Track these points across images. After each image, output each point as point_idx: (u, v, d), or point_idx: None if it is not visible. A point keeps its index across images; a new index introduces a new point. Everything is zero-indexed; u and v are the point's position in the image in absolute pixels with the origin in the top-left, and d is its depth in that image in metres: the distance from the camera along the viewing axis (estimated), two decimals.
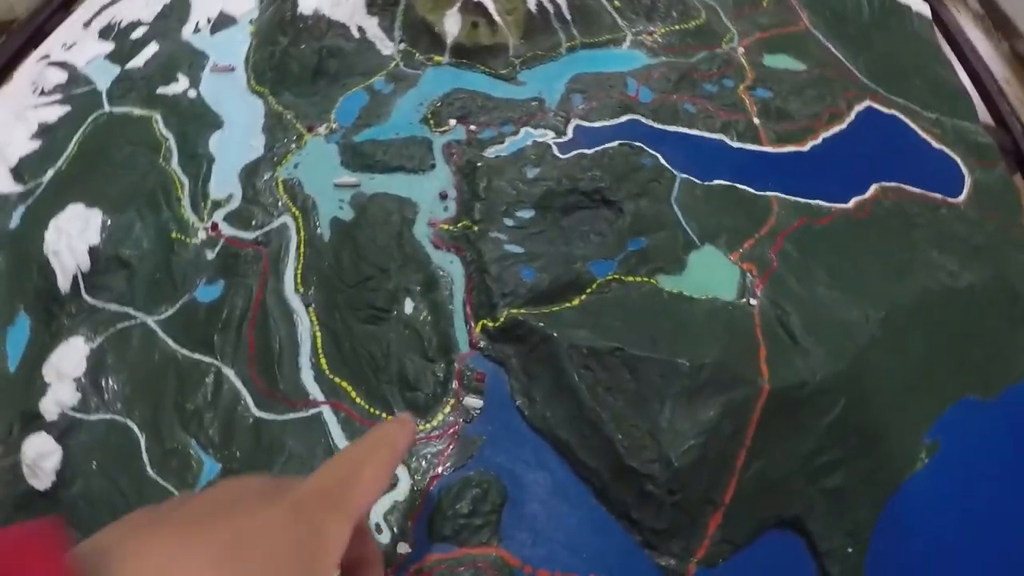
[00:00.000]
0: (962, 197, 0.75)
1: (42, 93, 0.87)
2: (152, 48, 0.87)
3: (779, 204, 0.70)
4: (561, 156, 0.71)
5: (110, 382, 0.58)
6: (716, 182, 0.71)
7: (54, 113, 0.84)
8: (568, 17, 0.83)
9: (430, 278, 0.62)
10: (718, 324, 0.58)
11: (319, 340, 0.59)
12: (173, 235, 0.66)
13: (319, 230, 0.65)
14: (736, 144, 0.76)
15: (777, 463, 0.53)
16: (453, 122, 0.72)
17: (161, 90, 0.81)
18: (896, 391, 0.58)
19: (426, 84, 0.77)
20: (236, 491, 0.32)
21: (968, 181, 0.76)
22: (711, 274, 0.63)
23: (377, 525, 0.51)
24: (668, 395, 0.53)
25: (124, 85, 0.83)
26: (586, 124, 0.75)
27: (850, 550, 0.52)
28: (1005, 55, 1.02)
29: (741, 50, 0.87)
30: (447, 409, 0.56)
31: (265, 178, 0.69)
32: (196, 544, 0.28)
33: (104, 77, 0.87)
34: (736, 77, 0.83)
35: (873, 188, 0.73)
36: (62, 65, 0.90)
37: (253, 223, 0.66)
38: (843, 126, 0.80)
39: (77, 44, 0.94)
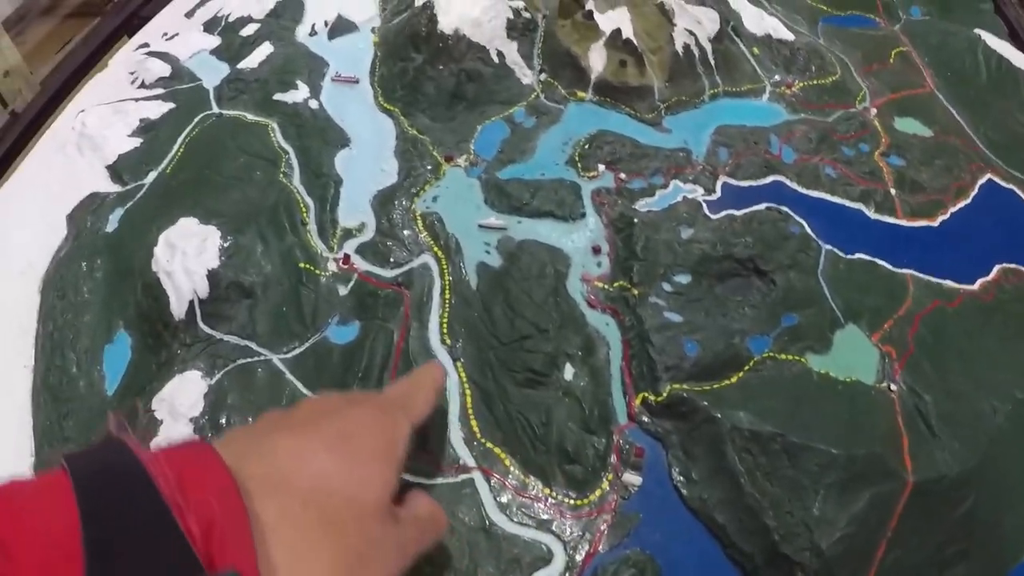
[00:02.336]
0: None
1: (143, 85, 0.84)
2: (266, 48, 0.83)
3: (914, 283, 0.68)
4: (712, 216, 0.67)
5: (232, 425, 0.54)
6: (858, 256, 0.69)
7: (157, 109, 0.80)
8: (712, 63, 0.79)
9: (588, 341, 0.58)
10: (865, 411, 0.56)
11: (469, 399, 0.54)
12: (301, 264, 0.61)
13: (465, 275, 0.60)
14: (874, 215, 0.73)
15: (912, 553, 0.52)
16: (602, 168, 0.69)
17: (278, 96, 0.77)
18: (1018, 484, 0.56)
19: (570, 121, 0.73)
20: (329, 401, 0.43)
21: None
22: (854, 355, 0.61)
23: None
24: (823, 484, 0.52)
25: (236, 86, 0.79)
26: (733, 182, 0.71)
27: None
28: None
29: (873, 111, 0.84)
30: (605, 484, 0.53)
31: (401, 209, 0.65)
32: (313, 438, 0.38)
33: (211, 74, 0.83)
34: (872, 141, 0.80)
35: (996, 270, 0.71)
36: (164, 56, 0.86)
37: (391, 260, 0.61)
38: (968, 200, 0.78)
39: (180, 35, 0.90)
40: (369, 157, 0.70)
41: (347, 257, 0.62)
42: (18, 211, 0.74)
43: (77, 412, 0.57)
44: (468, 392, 0.55)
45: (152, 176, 0.74)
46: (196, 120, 0.77)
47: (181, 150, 0.75)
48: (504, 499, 0.51)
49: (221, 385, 0.56)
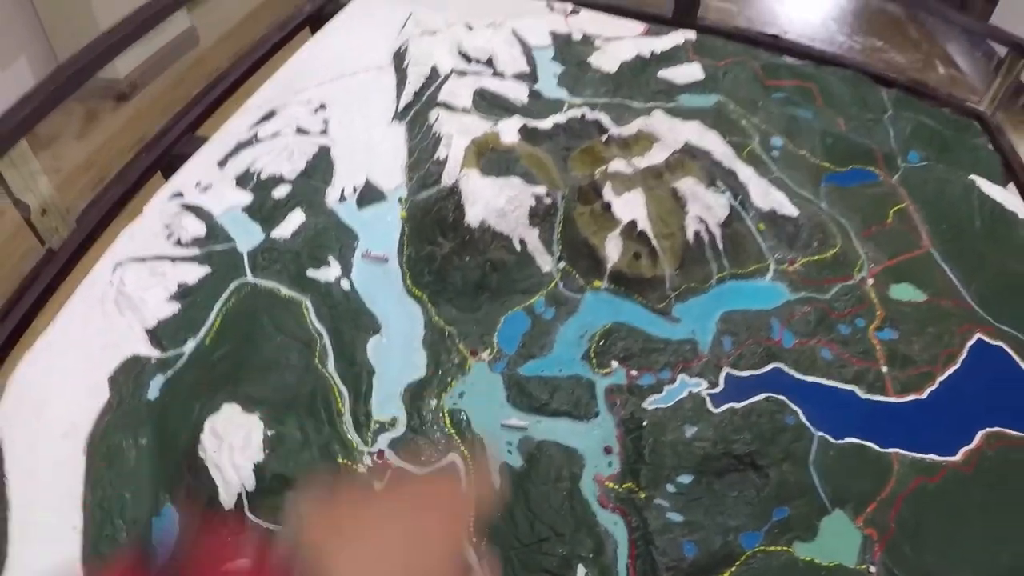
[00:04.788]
0: None
1: (179, 243, 0.91)
2: (298, 216, 0.91)
3: (899, 462, 0.76)
4: (715, 410, 0.75)
5: None
6: (847, 440, 0.77)
7: (193, 273, 0.87)
8: (721, 247, 0.89)
9: (598, 542, 0.66)
10: None
11: None
12: (339, 459, 0.68)
13: (489, 476, 0.68)
14: (865, 395, 0.82)
15: None
16: (615, 364, 0.77)
17: (311, 272, 0.84)
18: None
19: (586, 311, 0.82)
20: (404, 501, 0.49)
21: None
22: (838, 540, 0.69)
23: None
24: None
25: (269, 255, 0.87)
26: (735, 373, 0.80)
27: None
28: None
29: (871, 281, 0.93)
30: None
31: (432, 405, 0.72)
32: (384, 548, 0.43)
33: (244, 235, 0.91)
34: (867, 315, 0.89)
35: (979, 437, 0.79)
36: (198, 212, 0.93)
37: (422, 458, 0.68)
38: (957, 366, 0.86)
39: (213, 187, 0.98)
40: (399, 346, 0.78)
41: (381, 453, 0.69)
42: (60, 368, 0.79)
43: None
44: None
45: (190, 345, 0.80)
46: (231, 288, 0.85)
47: (218, 321, 0.82)
48: None
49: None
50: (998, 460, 0.77)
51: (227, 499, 0.66)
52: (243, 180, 0.98)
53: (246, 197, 0.96)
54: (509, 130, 0.95)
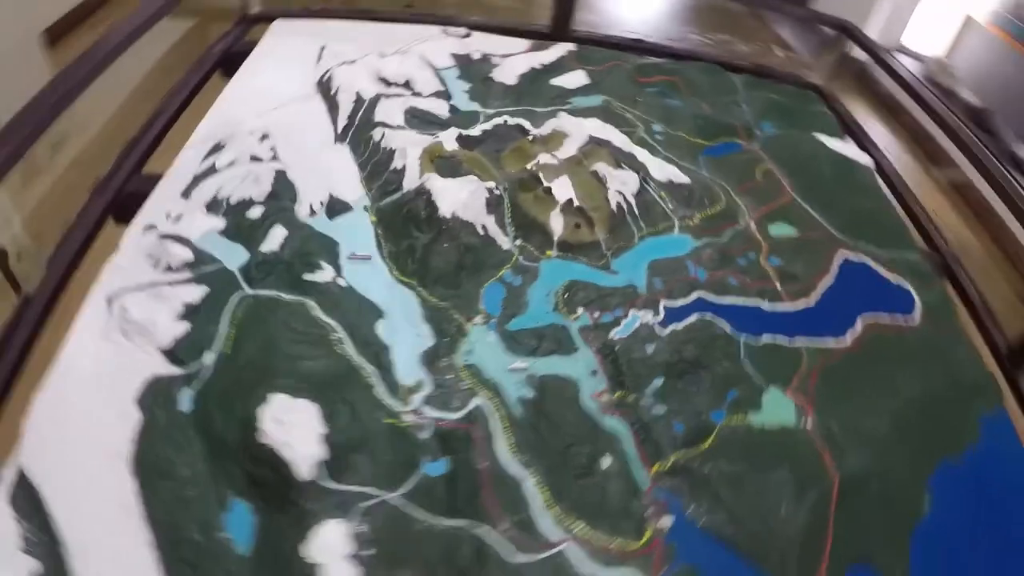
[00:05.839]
0: (916, 316, 1.11)
1: (169, 268, 1.00)
2: (280, 232, 1.03)
3: (806, 349, 1.02)
4: (663, 332, 0.98)
5: (377, 557, 0.74)
6: (764, 339, 1.03)
7: (193, 293, 0.97)
8: (637, 213, 1.12)
9: (609, 439, 0.86)
10: (794, 444, 0.90)
11: (546, 494, 0.79)
12: (386, 420, 0.83)
13: (512, 408, 0.86)
14: (769, 307, 1.08)
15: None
16: (580, 310, 0.97)
17: (307, 276, 0.97)
18: (901, 464, 0.90)
19: (546, 275, 1.02)
20: None
21: (918, 302, 1.14)
22: (778, 408, 0.95)
23: None
24: (783, 494, 0.84)
25: (263, 268, 0.99)
26: (670, 303, 1.03)
27: None
28: (938, 185, 1.47)
29: (753, 224, 1.20)
30: (649, 531, 0.79)
31: (447, 364, 0.89)
32: None
33: (229, 255, 1.01)
34: (756, 249, 1.16)
35: (859, 322, 1.09)
36: (179, 240, 1.03)
37: (452, 406, 0.85)
38: (832, 279, 1.16)
39: (184, 216, 1.07)
40: (404, 324, 0.93)
41: (418, 410, 0.85)
42: (79, 403, 0.85)
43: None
44: (543, 490, 0.80)
45: (209, 356, 0.90)
46: (234, 302, 0.96)
47: (233, 331, 0.93)
48: (594, 559, 0.76)
49: (361, 526, 0.76)
50: (876, 339, 1.06)
51: (304, 471, 0.78)
52: (213, 207, 1.08)
53: (219, 222, 1.06)
54: (449, 139, 1.13)
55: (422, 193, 1.03)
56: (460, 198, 1.02)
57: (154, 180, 1.14)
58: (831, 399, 0.96)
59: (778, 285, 1.11)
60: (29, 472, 0.76)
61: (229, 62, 1.41)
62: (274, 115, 1.24)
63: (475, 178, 1.05)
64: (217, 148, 1.17)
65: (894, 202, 1.38)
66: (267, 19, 1.49)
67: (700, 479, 0.84)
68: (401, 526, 0.77)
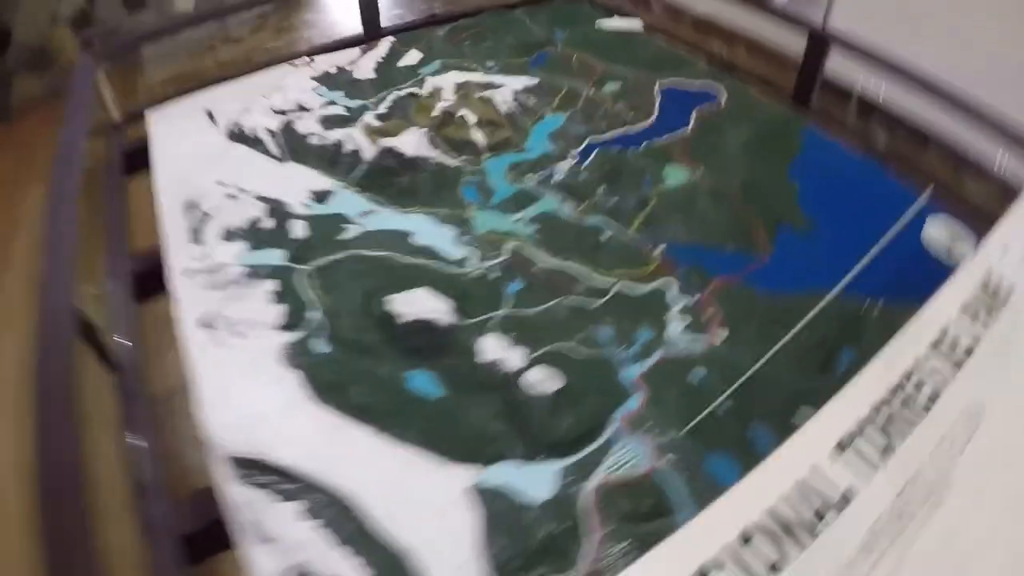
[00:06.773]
0: (722, 100, 1.68)
1: (230, 284, 1.27)
2: (297, 224, 1.34)
3: (672, 142, 1.54)
4: (582, 167, 1.45)
5: None
6: (643, 147, 1.54)
7: (268, 287, 1.26)
8: (521, 111, 1.58)
9: (598, 231, 1.31)
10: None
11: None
12: (464, 275, 1.21)
13: (530, 237, 1.28)
14: (633, 130, 1.59)
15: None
16: (527, 176, 1.41)
17: (340, 237, 1.31)
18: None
19: (491, 168, 1.45)
20: None
21: (722, 89, 1.71)
22: (678, 173, 1.45)
23: None
24: None
25: (304, 249, 1.30)
26: (575, 151, 1.50)
27: None
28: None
29: (593, 91, 1.72)
30: None
31: (473, 236, 1.29)
32: None
33: (269, 259, 1.31)
34: (605, 104, 1.67)
35: (691, 117, 1.63)
36: (221, 269, 1.30)
37: (493, 254, 1.25)
38: (660, 100, 1.69)
39: (209, 253, 1.33)
40: (428, 232, 1.31)
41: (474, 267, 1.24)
42: (235, 396, 1.14)
43: None
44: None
45: (315, 313, 1.22)
46: (304, 279, 1.26)
47: (319, 294, 1.24)
48: None
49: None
50: (710, 125, 1.60)
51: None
52: (228, 237, 1.35)
53: (242, 245, 1.34)
54: (372, 119, 1.50)
55: (385, 154, 1.39)
56: (413, 142, 1.40)
57: (155, 251, 1.36)
58: (703, 156, 1.49)
59: (630, 116, 1.62)
60: None
61: (133, 160, 1.61)
62: (216, 167, 1.51)
63: (413, 129, 1.44)
64: (194, 205, 1.43)
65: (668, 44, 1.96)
66: (135, 117, 1.70)
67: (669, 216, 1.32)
68: None
